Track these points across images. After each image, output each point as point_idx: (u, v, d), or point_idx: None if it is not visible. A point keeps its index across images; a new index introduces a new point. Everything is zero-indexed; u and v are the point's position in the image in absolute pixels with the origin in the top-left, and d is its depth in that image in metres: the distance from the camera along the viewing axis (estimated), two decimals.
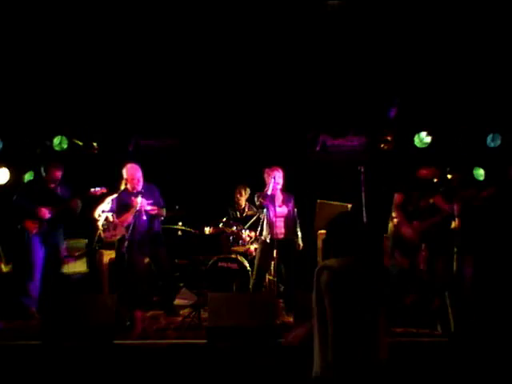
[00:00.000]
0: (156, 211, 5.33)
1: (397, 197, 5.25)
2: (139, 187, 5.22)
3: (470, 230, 4.91)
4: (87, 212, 5.98)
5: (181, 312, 5.40)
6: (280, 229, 5.43)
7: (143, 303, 5.42)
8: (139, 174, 5.27)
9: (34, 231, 5.29)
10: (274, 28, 5.30)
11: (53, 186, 5.45)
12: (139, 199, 5.11)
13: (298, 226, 5.60)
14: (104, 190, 5.55)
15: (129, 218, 5.15)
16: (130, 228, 5.01)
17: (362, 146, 7.00)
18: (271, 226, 5.37)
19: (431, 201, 5.17)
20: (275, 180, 5.38)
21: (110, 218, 6.04)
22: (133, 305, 5.42)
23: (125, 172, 5.33)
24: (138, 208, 5.09)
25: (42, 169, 5.42)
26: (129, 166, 5.32)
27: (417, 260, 5.10)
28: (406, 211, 5.15)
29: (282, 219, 5.46)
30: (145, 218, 5.20)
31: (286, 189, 5.61)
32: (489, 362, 3.78)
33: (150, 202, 5.27)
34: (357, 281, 2.25)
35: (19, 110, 6.37)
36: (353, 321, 2.21)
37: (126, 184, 5.40)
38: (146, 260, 5.55)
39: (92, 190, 5.44)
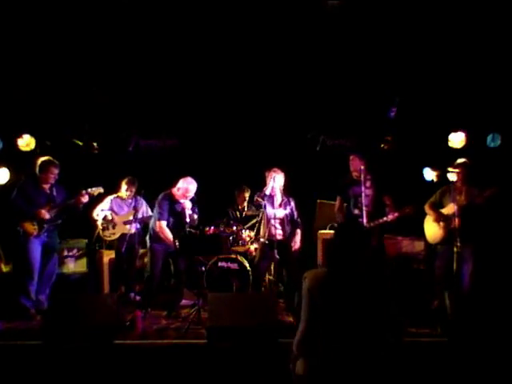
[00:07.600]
0: (192, 219, 5.60)
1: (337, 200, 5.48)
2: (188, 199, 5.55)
3: (471, 230, 4.89)
4: (86, 212, 5.98)
5: (181, 312, 5.41)
6: (277, 230, 5.43)
7: (143, 303, 5.44)
8: (194, 190, 5.51)
9: (34, 233, 5.21)
10: (274, 28, 5.30)
11: (47, 186, 5.36)
12: (187, 203, 5.51)
13: (298, 228, 5.52)
14: (101, 190, 5.57)
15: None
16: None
17: (362, 145, 7.00)
18: (268, 226, 5.37)
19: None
20: (275, 181, 5.37)
21: (109, 217, 6.04)
22: (133, 305, 5.45)
23: (182, 182, 5.49)
24: (185, 207, 5.49)
25: (38, 167, 5.29)
26: (189, 179, 5.51)
27: None
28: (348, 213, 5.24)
29: (279, 221, 5.45)
30: (188, 220, 5.47)
31: (286, 189, 5.60)
32: (488, 361, 3.78)
33: (193, 209, 5.59)
34: (328, 291, 2.44)
35: (19, 110, 6.36)
36: (325, 326, 2.38)
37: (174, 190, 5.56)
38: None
39: (89, 190, 5.44)
